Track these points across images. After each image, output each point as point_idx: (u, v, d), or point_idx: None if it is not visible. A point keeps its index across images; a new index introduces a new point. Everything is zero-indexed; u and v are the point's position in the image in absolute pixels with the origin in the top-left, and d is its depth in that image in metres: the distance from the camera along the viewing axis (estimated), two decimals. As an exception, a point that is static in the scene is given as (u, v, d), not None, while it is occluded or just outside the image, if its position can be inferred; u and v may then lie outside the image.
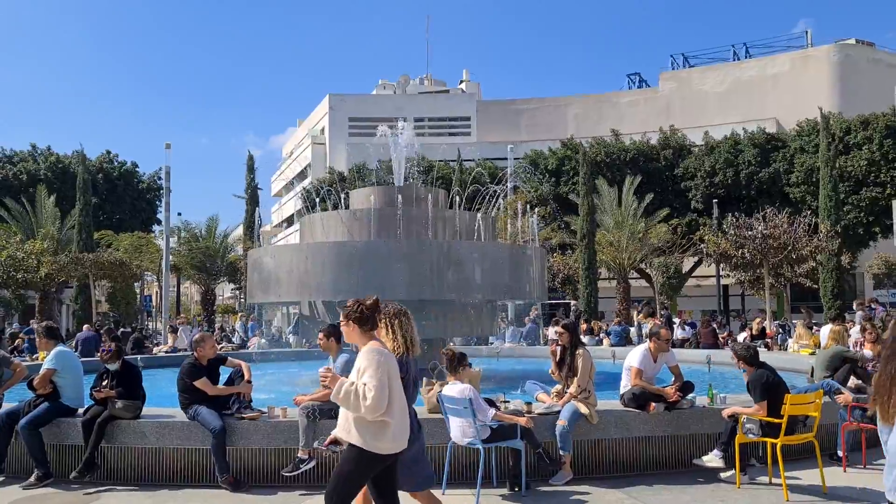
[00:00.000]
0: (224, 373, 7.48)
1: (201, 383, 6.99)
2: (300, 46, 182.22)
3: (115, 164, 46.95)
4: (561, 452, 6.78)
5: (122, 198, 45.94)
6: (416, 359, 4.96)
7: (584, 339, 17.80)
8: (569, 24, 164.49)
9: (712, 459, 6.87)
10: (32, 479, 6.86)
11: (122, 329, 23.90)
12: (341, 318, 4.38)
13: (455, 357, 6.72)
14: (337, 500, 4.13)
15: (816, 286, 30.67)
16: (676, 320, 23.58)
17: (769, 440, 6.60)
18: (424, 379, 7.62)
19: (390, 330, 4.74)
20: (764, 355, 8.30)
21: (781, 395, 6.63)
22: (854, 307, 24.01)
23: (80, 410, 7.31)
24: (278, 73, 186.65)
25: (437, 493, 6.50)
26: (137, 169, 48.12)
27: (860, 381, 9.00)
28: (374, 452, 4.07)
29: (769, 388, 6.64)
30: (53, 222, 34.20)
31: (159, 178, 45.35)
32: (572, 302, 31.26)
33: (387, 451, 4.10)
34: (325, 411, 6.88)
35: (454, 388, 6.49)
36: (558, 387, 7.56)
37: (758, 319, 21.24)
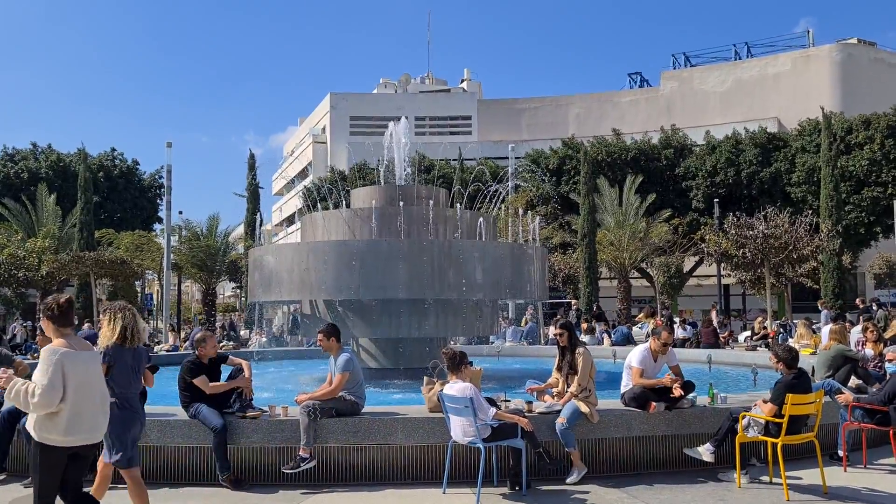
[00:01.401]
0: (225, 371, 7.48)
1: (200, 381, 7.00)
2: (300, 45, 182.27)
3: (117, 162, 46.99)
4: (568, 450, 6.78)
5: (124, 196, 45.98)
6: (140, 349, 5.49)
7: (584, 338, 17.85)
8: (570, 23, 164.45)
9: (704, 452, 6.88)
10: (34, 477, 6.87)
11: None
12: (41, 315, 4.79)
13: (456, 356, 6.73)
14: (35, 497, 4.36)
15: (817, 286, 30.67)
16: (677, 320, 23.60)
17: (769, 440, 6.60)
18: (425, 378, 7.63)
19: (112, 320, 5.27)
20: (764, 354, 8.32)
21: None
22: (819, 307, 24.10)
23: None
24: (278, 71, 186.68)
25: (437, 491, 6.54)
26: (139, 167, 48.16)
27: (861, 381, 9.00)
28: (47, 444, 4.30)
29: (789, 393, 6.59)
30: (54, 221, 34.21)
31: (160, 177, 45.37)
32: (573, 302, 31.24)
33: (59, 444, 4.32)
34: (326, 410, 6.89)
35: (455, 387, 6.50)
36: (552, 379, 7.57)
37: (759, 319, 21.25)
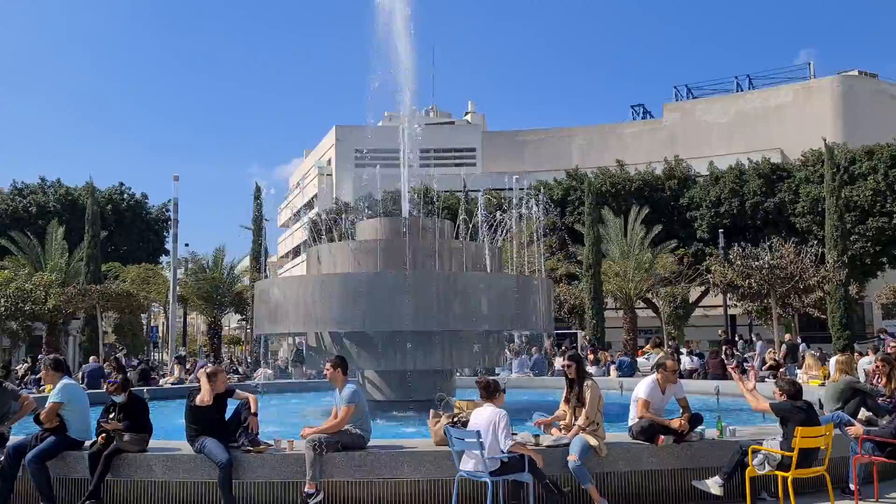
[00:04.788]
0: (231, 405, 7.47)
1: (200, 396, 7.04)
2: (305, 79, 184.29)
3: (126, 196, 47.39)
4: (584, 486, 6.71)
5: (131, 229, 46.23)
6: None
7: (591, 369, 17.75)
8: (572, 56, 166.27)
9: (713, 485, 6.82)
10: (38, 513, 6.83)
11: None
12: None
13: (490, 384, 6.88)
14: None
15: (825, 316, 30.49)
16: (683, 350, 23.46)
17: (780, 473, 6.53)
18: (432, 411, 7.60)
19: None
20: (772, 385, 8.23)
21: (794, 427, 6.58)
22: (753, 339, 24.20)
23: (87, 443, 7.30)
24: (283, 104, 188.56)
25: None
26: (147, 201, 48.53)
27: (871, 414, 8.90)
28: None
29: (783, 412, 6.77)
30: (62, 254, 34.38)
31: (167, 210, 45.67)
32: (579, 332, 31.13)
33: None
34: (332, 444, 6.86)
35: (485, 412, 6.58)
36: (559, 411, 7.53)
37: (771, 350, 21.12)
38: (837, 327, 29.24)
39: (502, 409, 6.66)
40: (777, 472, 6.57)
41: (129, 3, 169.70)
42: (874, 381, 10.72)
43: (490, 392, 6.81)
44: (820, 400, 9.64)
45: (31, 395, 9.60)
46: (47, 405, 7.33)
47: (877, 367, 10.57)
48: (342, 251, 12.75)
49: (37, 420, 7.41)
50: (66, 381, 7.57)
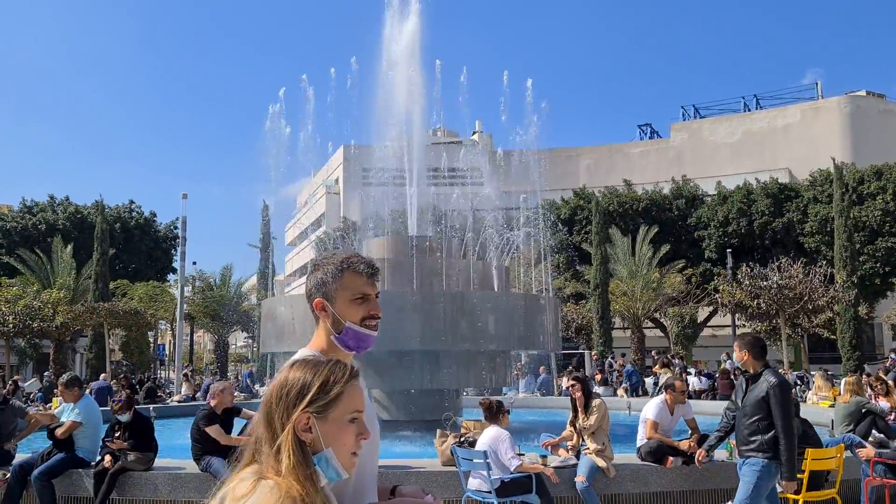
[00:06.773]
0: (238, 424, 7.45)
1: (214, 430, 6.97)
2: (314, 98, 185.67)
3: (135, 214, 47.66)
4: None
5: (139, 247, 46.42)
6: None
7: (598, 389, 17.65)
8: (580, 76, 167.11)
9: None
10: (43, 531, 6.80)
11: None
12: None
13: (493, 405, 6.87)
14: None
15: (834, 337, 30.29)
16: (692, 370, 23.33)
17: (791, 496, 6.45)
18: (438, 431, 7.56)
19: None
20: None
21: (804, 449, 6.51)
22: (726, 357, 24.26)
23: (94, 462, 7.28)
24: (291, 124, 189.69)
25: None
26: (155, 219, 48.79)
27: (882, 435, 8.81)
28: None
29: None
30: (70, 272, 34.53)
31: (175, 228, 45.89)
32: (585, 351, 30.98)
33: None
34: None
35: (490, 433, 6.56)
36: (566, 432, 7.49)
37: (780, 371, 20.98)
38: (847, 348, 29.02)
39: (506, 429, 6.63)
40: (789, 496, 6.49)
41: (139, 27, 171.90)
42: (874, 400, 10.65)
43: (493, 413, 6.81)
44: (832, 421, 9.55)
45: (39, 413, 9.61)
46: (67, 423, 7.27)
47: (871, 382, 10.50)
48: (349, 270, 12.72)
49: (51, 434, 7.38)
50: (87, 400, 7.54)
